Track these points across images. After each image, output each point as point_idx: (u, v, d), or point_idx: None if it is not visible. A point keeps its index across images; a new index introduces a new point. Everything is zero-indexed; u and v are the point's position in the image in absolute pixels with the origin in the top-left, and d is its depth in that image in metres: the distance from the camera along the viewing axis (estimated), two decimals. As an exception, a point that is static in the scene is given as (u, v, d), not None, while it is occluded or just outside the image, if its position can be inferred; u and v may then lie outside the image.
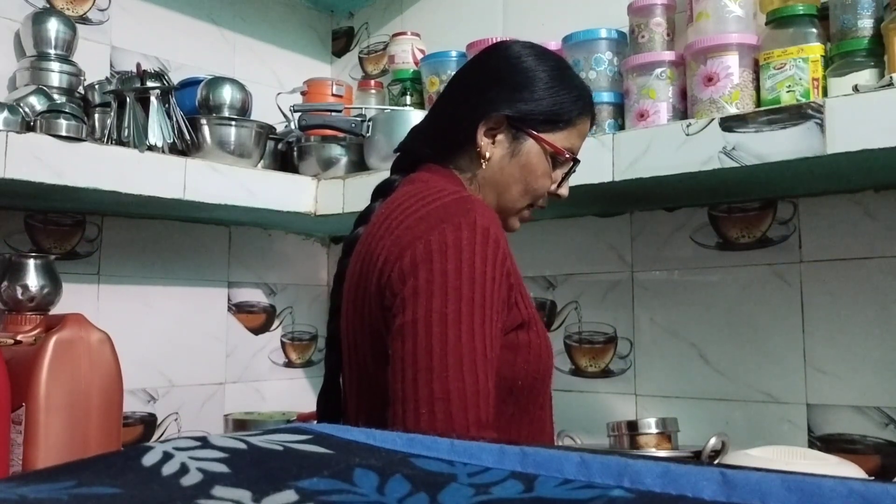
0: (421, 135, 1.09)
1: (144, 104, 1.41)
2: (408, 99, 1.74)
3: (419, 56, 1.76)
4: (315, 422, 0.83)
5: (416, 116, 1.49)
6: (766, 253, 1.38)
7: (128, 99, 1.39)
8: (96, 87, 1.46)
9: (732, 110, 1.21)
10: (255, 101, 1.63)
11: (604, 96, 1.37)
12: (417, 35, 1.81)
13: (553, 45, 1.37)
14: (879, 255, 1.27)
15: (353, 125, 1.58)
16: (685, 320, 1.46)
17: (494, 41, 1.32)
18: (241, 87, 1.59)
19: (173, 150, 1.43)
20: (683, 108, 1.31)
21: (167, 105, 1.44)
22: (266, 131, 1.61)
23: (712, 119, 1.13)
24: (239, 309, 1.81)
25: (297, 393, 1.90)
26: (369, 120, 1.58)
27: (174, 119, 1.44)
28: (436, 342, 0.82)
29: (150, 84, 1.42)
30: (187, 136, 1.46)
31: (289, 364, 1.91)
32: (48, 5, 1.53)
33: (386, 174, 1.10)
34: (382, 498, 0.33)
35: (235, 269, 1.81)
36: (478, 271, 0.85)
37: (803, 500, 0.30)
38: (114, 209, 1.56)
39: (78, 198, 1.38)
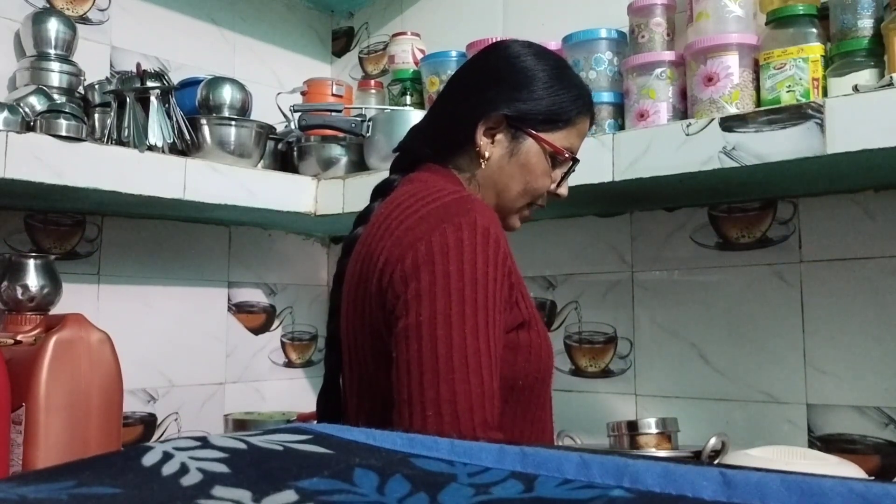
0: (420, 134, 1.09)
1: (144, 104, 1.41)
2: (408, 99, 1.74)
3: (419, 56, 1.76)
4: (315, 422, 0.83)
5: (416, 116, 1.49)
6: (766, 253, 1.38)
7: (128, 99, 1.39)
8: (96, 87, 1.46)
9: (732, 110, 1.21)
10: (255, 101, 1.63)
11: (604, 96, 1.37)
12: (417, 35, 1.81)
13: (553, 45, 1.37)
14: (879, 255, 1.27)
15: (353, 125, 1.58)
16: (685, 320, 1.46)
17: (494, 41, 1.32)
18: (241, 87, 1.59)
19: (173, 150, 1.43)
20: (683, 108, 1.31)
21: (167, 105, 1.44)
22: (266, 131, 1.61)
23: (712, 119, 1.13)
24: (239, 309, 1.81)
25: (297, 393, 1.90)
26: (369, 120, 1.58)
27: (174, 119, 1.44)
28: (441, 344, 0.82)
29: (150, 84, 1.42)
30: (187, 136, 1.46)
31: (289, 364, 1.91)
32: (48, 5, 1.53)
33: (386, 174, 1.10)
34: (382, 498, 0.33)
35: (235, 269, 1.81)
36: (479, 272, 0.85)
37: (803, 500, 0.30)
38: (114, 209, 1.55)
39: (78, 198, 1.38)
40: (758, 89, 1.23)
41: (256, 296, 1.85)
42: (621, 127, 1.37)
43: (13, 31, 1.48)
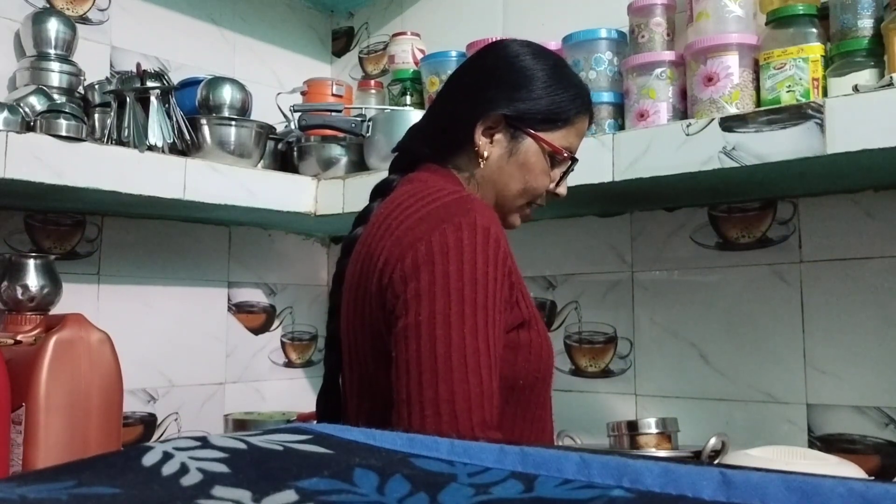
0: (419, 134, 1.09)
1: (144, 104, 1.41)
2: (408, 99, 1.74)
3: (419, 56, 1.76)
4: (315, 422, 0.83)
5: (415, 116, 1.49)
6: (766, 253, 1.38)
7: (128, 99, 1.39)
8: (96, 87, 1.46)
9: (732, 110, 1.21)
10: (255, 101, 1.63)
11: (604, 96, 1.37)
12: (417, 35, 1.81)
13: (553, 45, 1.37)
14: (879, 255, 1.27)
15: (353, 125, 1.58)
16: (685, 320, 1.46)
17: (493, 41, 1.32)
18: (241, 87, 1.59)
19: (173, 150, 1.43)
20: (683, 108, 1.31)
21: (167, 105, 1.44)
22: (266, 131, 1.61)
23: (712, 119, 1.13)
24: (239, 309, 1.81)
25: (297, 393, 1.90)
26: (369, 120, 1.58)
27: (174, 119, 1.44)
28: (440, 344, 0.82)
29: (150, 84, 1.42)
30: (187, 136, 1.46)
31: (289, 364, 1.91)
32: (48, 5, 1.53)
33: (386, 174, 1.10)
34: (382, 498, 0.33)
35: (235, 269, 1.81)
36: (479, 272, 0.85)
37: (803, 500, 0.30)
38: (114, 209, 1.56)
39: (78, 198, 1.38)
40: (758, 89, 1.23)
41: (256, 296, 1.85)
42: (621, 127, 1.37)
43: (13, 31, 1.48)
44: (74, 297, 1.46)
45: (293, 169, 1.68)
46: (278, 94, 1.76)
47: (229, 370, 1.78)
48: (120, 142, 1.37)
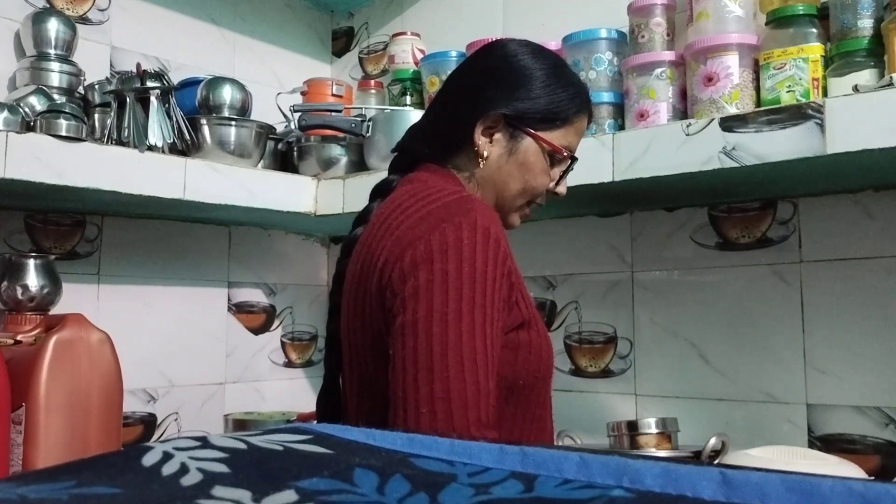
0: (419, 134, 1.09)
1: (144, 104, 1.41)
2: (408, 99, 1.74)
3: (419, 56, 1.76)
4: (315, 422, 0.83)
5: (415, 116, 1.49)
6: (766, 253, 1.38)
7: (128, 99, 1.39)
8: (96, 87, 1.46)
9: (732, 110, 1.21)
10: (255, 101, 1.63)
11: (604, 96, 1.37)
12: (417, 35, 1.81)
13: (553, 45, 1.37)
14: (879, 255, 1.27)
15: (353, 125, 1.58)
16: (685, 320, 1.46)
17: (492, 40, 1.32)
18: (241, 87, 1.59)
19: (173, 150, 1.43)
20: (683, 108, 1.31)
21: (167, 105, 1.44)
22: (266, 131, 1.61)
23: (712, 119, 1.13)
24: (239, 309, 1.81)
25: (297, 393, 1.90)
26: (369, 120, 1.58)
27: (174, 119, 1.44)
28: (436, 342, 0.82)
29: (150, 84, 1.42)
30: (187, 136, 1.46)
31: (289, 364, 1.91)
32: (48, 5, 1.53)
33: (386, 174, 1.10)
34: (382, 498, 0.33)
35: (235, 269, 1.81)
36: (478, 271, 0.85)
37: (803, 500, 0.30)
38: (114, 209, 1.56)
39: (78, 198, 1.38)
40: (758, 89, 1.23)
41: (256, 296, 1.85)
42: (621, 127, 1.37)
43: (13, 31, 1.48)
44: (74, 297, 1.46)
45: (293, 169, 1.68)
46: (278, 94, 1.76)
47: (229, 370, 1.78)
48: (120, 142, 1.37)
